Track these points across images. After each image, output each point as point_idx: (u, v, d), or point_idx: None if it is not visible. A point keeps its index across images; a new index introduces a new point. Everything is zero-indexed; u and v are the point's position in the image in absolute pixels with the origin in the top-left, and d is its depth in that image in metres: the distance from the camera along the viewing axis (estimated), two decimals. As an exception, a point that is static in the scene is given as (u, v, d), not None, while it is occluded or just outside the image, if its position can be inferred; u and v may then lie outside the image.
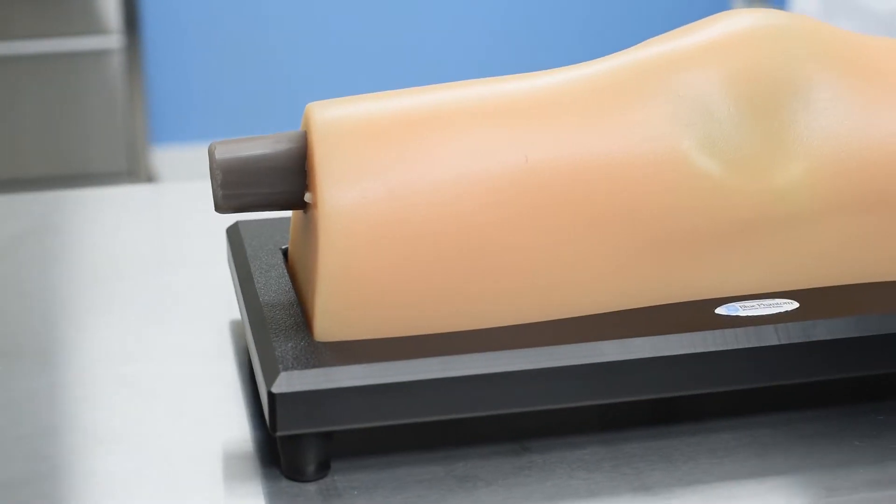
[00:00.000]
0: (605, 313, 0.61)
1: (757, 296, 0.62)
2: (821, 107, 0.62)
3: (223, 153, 0.59)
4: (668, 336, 0.58)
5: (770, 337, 0.59)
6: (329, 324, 0.58)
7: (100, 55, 2.53)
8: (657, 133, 0.60)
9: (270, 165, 0.59)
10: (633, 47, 0.64)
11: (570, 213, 0.59)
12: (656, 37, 0.65)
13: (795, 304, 0.61)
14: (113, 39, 2.52)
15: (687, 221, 0.61)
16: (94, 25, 2.53)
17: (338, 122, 0.59)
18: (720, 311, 0.61)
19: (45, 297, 0.73)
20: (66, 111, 2.53)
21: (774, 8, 2.47)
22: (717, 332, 0.59)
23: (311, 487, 0.56)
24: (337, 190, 0.58)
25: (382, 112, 0.60)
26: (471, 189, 0.58)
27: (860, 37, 0.66)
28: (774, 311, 0.61)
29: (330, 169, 0.58)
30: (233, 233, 0.69)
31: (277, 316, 0.60)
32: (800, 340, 0.59)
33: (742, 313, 0.60)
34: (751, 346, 0.59)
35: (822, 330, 0.60)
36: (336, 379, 0.55)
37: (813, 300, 0.62)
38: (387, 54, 2.85)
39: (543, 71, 0.63)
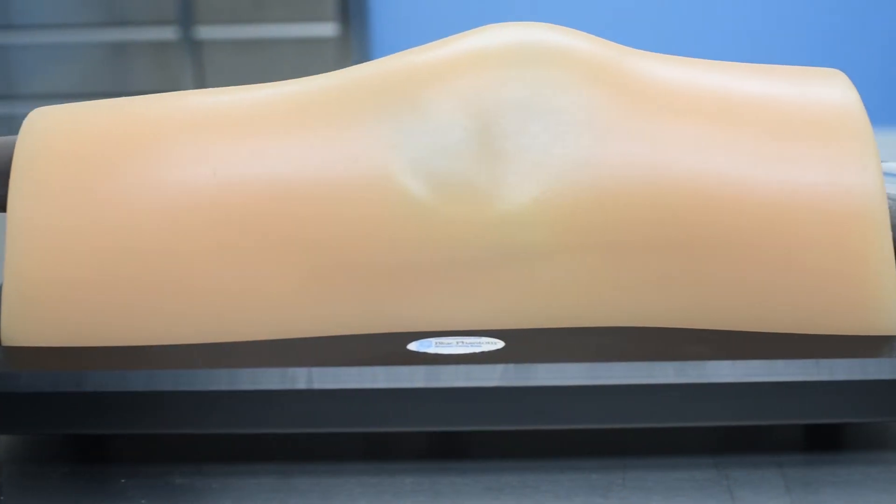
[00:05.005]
0: (290, 339, 0.58)
1: (471, 332, 0.58)
2: (561, 133, 0.57)
3: None
4: (335, 368, 0.55)
5: (450, 377, 0.55)
6: (13, 328, 0.58)
7: (315, 43, 2.60)
8: (362, 153, 0.57)
9: None
10: (374, 60, 0.61)
11: (260, 233, 0.57)
12: (409, 49, 0.61)
13: (500, 345, 0.57)
14: (328, 28, 2.60)
15: (391, 248, 0.57)
16: (310, 13, 2.61)
17: (40, 131, 0.59)
18: (412, 346, 0.57)
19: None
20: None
21: None
22: (394, 367, 0.55)
23: None
24: (23, 197, 0.58)
25: (91, 122, 0.60)
26: (156, 203, 0.57)
27: (642, 60, 0.60)
28: (468, 351, 0.56)
29: (20, 176, 0.58)
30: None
31: None
32: (485, 384, 0.55)
33: (433, 350, 0.56)
34: (428, 385, 0.55)
35: (520, 374, 0.55)
36: None
37: (523, 342, 0.57)
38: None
39: (274, 83, 0.61)
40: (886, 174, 0.64)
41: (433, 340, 0.57)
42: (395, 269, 0.57)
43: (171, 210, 0.57)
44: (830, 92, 0.59)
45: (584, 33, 0.61)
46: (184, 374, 0.55)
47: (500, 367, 0.55)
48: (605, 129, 0.57)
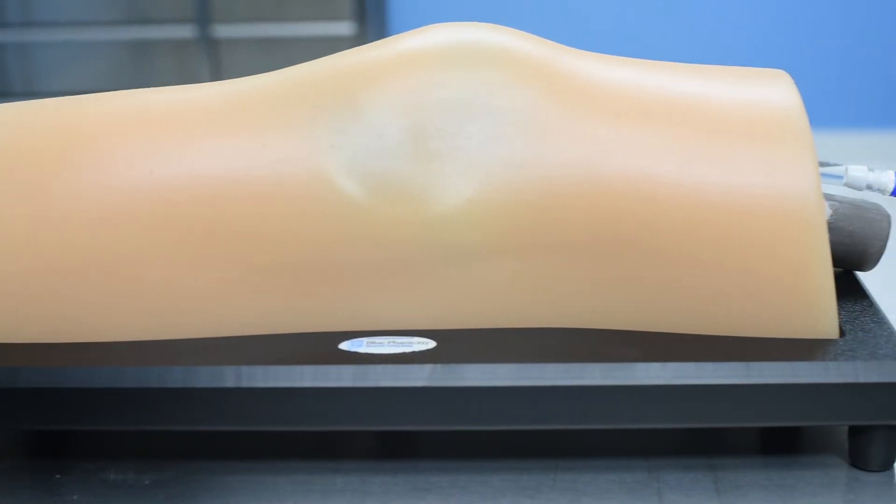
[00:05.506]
0: (225, 337, 0.58)
1: (404, 333, 0.58)
2: (496, 134, 0.57)
3: None
4: (265, 366, 0.55)
5: (376, 377, 0.55)
6: None
7: (333, 41, 2.61)
8: (298, 153, 0.57)
9: None
10: (314, 60, 0.61)
11: (195, 232, 0.57)
12: (350, 49, 0.61)
13: (431, 345, 0.57)
14: (345, 26, 2.60)
15: (326, 248, 0.57)
16: (327, 12, 2.62)
17: None
18: (344, 345, 0.57)
19: None
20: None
21: None
22: (322, 367, 0.55)
23: None
24: None
25: (33, 120, 0.60)
26: (93, 201, 0.58)
27: (583, 60, 0.60)
28: (399, 351, 0.56)
29: None
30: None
31: None
32: (412, 384, 0.55)
33: (364, 350, 0.56)
34: (354, 385, 0.55)
35: (447, 375, 0.55)
36: None
37: (455, 342, 0.57)
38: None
39: (214, 82, 0.61)
40: (836, 177, 0.63)
41: (365, 340, 0.57)
42: (329, 269, 0.57)
43: (107, 208, 0.57)
44: (771, 93, 0.59)
45: (526, 34, 0.61)
46: (115, 372, 0.55)
47: (427, 368, 0.55)
48: (541, 130, 0.57)
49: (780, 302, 0.57)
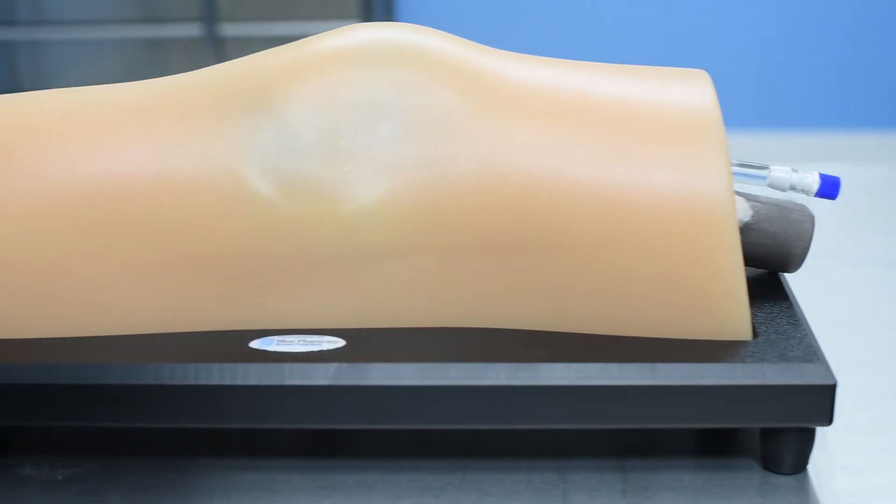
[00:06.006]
0: (138, 335, 0.58)
1: (314, 331, 0.58)
2: (408, 134, 0.57)
3: None
4: (172, 364, 0.56)
5: (281, 375, 0.55)
6: None
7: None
8: (212, 153, 0.58)
9: None
10: (231, 60, 0.61)
11: (109, 230, 0.58)
12: (268, 49, 0.62)
13: (341, 343, 0.57)
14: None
15: (238, 247, 0.57)
16: (333, 11, 2.62)
17: None
18: (254, 343, 0.57)
19: None
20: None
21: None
22: (230, 365, 0.55)
23: None
24: None
25: None
26: (10, 200, 0.58)
27: (500, 60, 0.60)
28: (308, 349, 0.56)
29: None
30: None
31: None
32: (319, 383, 0.55)
33: (273, 348, 0.57)
34: (267, 383, 0.55)
35: (353, 374, 0.55)
36: None
37: (365, 341, 0.57)
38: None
39: (133, 82, 0.62)
40: (761, 178, 0.63)
41: (275, 339, 0.58)
42: (241, 268, 0.57)
43: (24, 207, 0.58)
44: (687, 93, 0.59)
45: (446, 34, 0.61)
46: (25, 368, 0.56)
47: (333, 367, 0.55)
48: (453, 130, 0.57)
49: (691, 303, 0.56)
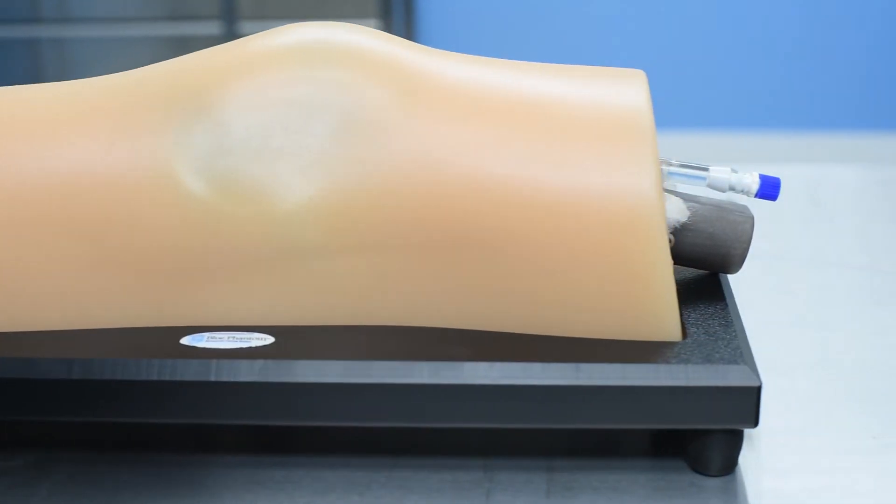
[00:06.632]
0: (69, 330, 0.59)
1: (245, 328, 0.59)
2: (340, 133, 0.57)
3: None
4: (101, 359, 0.56)
5: (209, 372, 0.55)
6: None
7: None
8: (146, 151, 0.58)
9: None
10: (169, 60, 0.62)
11: (42, 228, 0.58)
12: (205, 49, 0.62)
13: (270, 340, 0.57)
14: (370, 24, 2.62)
15: (172, 245, 0.58)
16: (352, 9, 2.63)
17: None
18: (185, 340, 0.58)
19: None
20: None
21: None
22: (157, 360, 0.56)
23: None
24: None
25: None
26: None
27: (434, 60, 0.60)
28: (237, 346, 0.57)
29: None
30: None
31: None
32: (244, 380, 0.55)
33: (203, 344, 0.57)
34: (193, 379, 0.55)
35: (279, 371, 0.55)
36: None
37: (294, 339, 0.57)
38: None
39: (70, 81, 0.62)
40: (698, 178, 0.63)
41: (206, 335, 0.58)
42: (173, 266, 0.58)
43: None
44: (619, 93, 0.59)
45: (382, 33, 0.61)
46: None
47: (259, 363, 0.55)
48: (384, 129, 0.57)
49: (619, 304, 0.56)
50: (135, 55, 2.76)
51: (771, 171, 0.90)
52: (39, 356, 0.56)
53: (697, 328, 0.58)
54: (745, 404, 0.54)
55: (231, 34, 2.59)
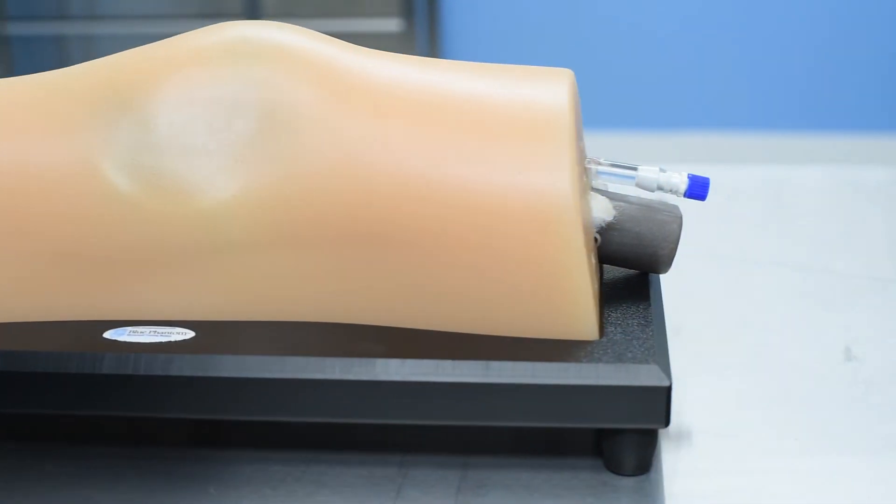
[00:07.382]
0: (2, 323, 0.60)
1: (167, 323, 0.59)
2: (263, 130, 0.58)
3: None
4: (22, 351, 0.57)
5: (129, 365, 0.56)
6: None
7: (380, 38, 2.64)
8: (72, 148, 0.59)
9: None
10: (100, 58, 0.62)
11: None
12: (135, 47, 0.63)
13: (190, 335, 0.58)
14: (392, 23, 2.62)
15: (96, 240, 0.59)
16: (375, 8, 2.64)
17: None
18: (108, 334, 0.58)
19: None
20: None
21: None
22: (78, 353, 0.57)
23: None
24: None
25: None
26: None
27: (361, 58, 0.60)
28: (157, 340, 0.58)
29: None
30: None
31: None
32: (162, 373, 0.56)
33: (125, 338, 0.58)
34: (113, 372, 0.56)
35: (195, 365, 0.56)
36: None
37: (214, 334, 0.58)
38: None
39: (25, 76, 0.63)
40: (627, 177, 0.63)
41: (128, 329, 0.59)
42: (97, 260, 0.59)
43: None
44: (542, 92, 0.59)
45: (311, 31, 0.61)
46: None
47: (175, 357, 0.56)
48: (306, 127, 0.58)
49: (535, 302, 0.57)
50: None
51: (734, 172, 0.90)
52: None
53: (615, 327, 0.58)
54: (654, 404, 0.54)
55: (254, 32, 2.62)
